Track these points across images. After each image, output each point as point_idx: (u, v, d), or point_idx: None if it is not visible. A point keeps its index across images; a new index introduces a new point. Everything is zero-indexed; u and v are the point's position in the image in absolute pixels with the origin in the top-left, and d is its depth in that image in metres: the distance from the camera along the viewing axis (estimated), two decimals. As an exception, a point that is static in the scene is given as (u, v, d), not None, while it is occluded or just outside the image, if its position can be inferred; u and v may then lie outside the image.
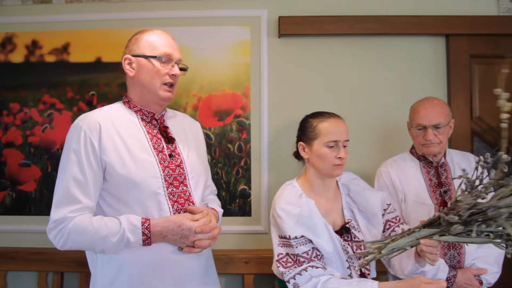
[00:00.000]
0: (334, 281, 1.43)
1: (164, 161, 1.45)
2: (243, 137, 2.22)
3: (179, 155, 1.50)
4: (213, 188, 1.74)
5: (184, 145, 1.54)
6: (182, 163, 1.49)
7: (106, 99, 2.21)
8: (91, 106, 2.22)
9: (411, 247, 1.42)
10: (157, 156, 1.44)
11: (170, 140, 1.50)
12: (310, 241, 1.51)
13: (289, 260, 1.52)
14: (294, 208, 1.55)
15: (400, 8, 2.22)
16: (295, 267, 1.49)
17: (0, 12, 2.26)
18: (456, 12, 2.20)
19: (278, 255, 1.55)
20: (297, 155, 1.71)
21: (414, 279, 1.41)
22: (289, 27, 2.17)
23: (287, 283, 1.50)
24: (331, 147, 1.56)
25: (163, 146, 1.48)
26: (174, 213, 1.41)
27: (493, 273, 1.72)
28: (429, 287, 1.36)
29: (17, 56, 2.26)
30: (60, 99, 2.24)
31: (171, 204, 1.42)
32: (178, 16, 2.22)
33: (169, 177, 1.44)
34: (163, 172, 1.43)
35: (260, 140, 2.21)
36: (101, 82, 2.23)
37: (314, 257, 1.49)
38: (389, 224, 1.66)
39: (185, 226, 1.37)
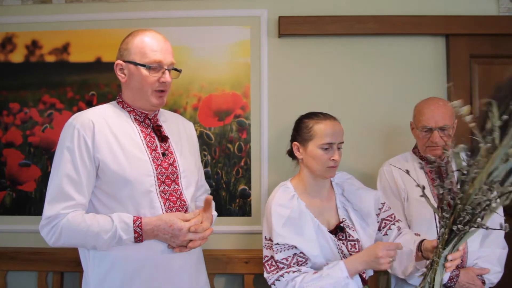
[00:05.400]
0: (308, 278, 1.47)
1: (157, 160, 1.46)
2: (243, 137, 2.22)
3: (172, 154, 1.51)
4: (206, 187, 1.75)
5: (177, 144, 1.55)
6: (175, 161, 1.50)
7: (106, 99, 2.20)
8: (91, 106, 2.20)
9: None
10: (150, 154, 1.45)
11: (163, 138, 1.51)
12: (292, 247, 1.52)
13: (273, 263, 1.55)
14: (284, 209, 1.56)
15: (400, 8, 2.21)
16: (277, 272, 1.52)
17: (0, 12, 2.26)
18: (456, 12, 2.20)
19: (264, 258, 1.58)
20: (290, 154, 1.71)
21: (371, 246, 1.52)
22: (289, 27, 2.17)
23: None
24: (326, 149, 1.56)
25: (157, 145, 1.49)
26: (166, 211, 1.43)
27: (495, 272, 1.73)
28: (387, 248, 1.46)
29: (17, 56, 2.26)
30: (60, 99, 2.24)
31: (163, 202, 1.43)
32: (178, 16, 2.22)
33: (162, 176, 1.45)
34: (156, 170, 1.44)
35: (260, 140, 2.21)
36: (101, 82, 2.23)
37: (294, 263, 1.51)
38: (385, 223, 1.67)
39: (176, 226, 1.39)
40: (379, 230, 1.66)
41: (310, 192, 1.63)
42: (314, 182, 1.63)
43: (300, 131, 1.63)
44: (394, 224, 1.67)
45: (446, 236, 1.33)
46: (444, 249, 1.33)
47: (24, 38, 2.25)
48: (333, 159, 1.56)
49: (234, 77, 2.21)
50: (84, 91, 2.23)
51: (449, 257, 1.32)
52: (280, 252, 1.52)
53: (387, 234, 1.66)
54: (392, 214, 1.69)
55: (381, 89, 2.22)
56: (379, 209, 1.68)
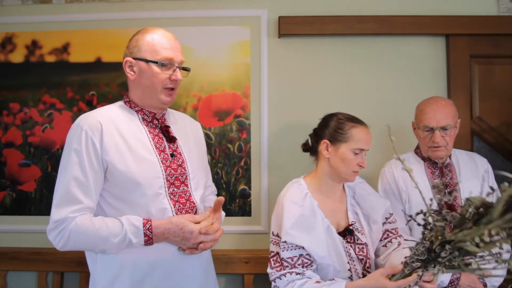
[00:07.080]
0: (308, 285, 1.45)
1: (166, 161, 1.44)
2: (243, 137, 2.22)
3: (180, 155, 1.49)
4: (213, 188, 1.73)
5: (185, 144, 1.53)
6: (183, 162, 1.48)
7: (106, 99, 2.21)
8: (91, 106, 2.21)
9: None
10: (159, 155, 1.43)
11: (171, 139, 1.49)
12: (300, 248, 1.51)
13: (278, 260, 1.54)
14: (296, 207, 1.55)
15: (400, 8, 2.21)
16: (280, 269, 1.51)
17: (0, 12, 2.26)
18: (456, 12, 2.20)
19: (270, 253, 1.58)
20: (309, 149, 1.68)
21: (375, 274, 1.41)
22: (289, 27, 2.17)
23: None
24: (356, 154, 1.56)
25: (165, 146, 1.47)
26: (176, 213, 1.41)
27: (498, 275, 1.70)
28: (399, 285, 1.32)
29: (17, 56, 2.26)
30: (60, 99, 2.24)
31: (173, 204, 1.42)
32: (178, 16, 2.22)
33: (171, 177, 1.43)
34: (165, 172, 1.42)
35: (260, 140, 2.21)
36: (101, 82, 2.23)
37: (299, 264, 1.50)
38: (387, 234, 1.66)
39: (187, 228, 1.37)
40: (380, 240, 1.65)
41: (323, 191, 1.62)
42: (331, 182, 1.62)
43: (334, 130, 1.60)
44: (396, 238, 1.65)
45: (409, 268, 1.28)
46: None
47: (24, 38, 2.25)
48: (361, 165, 1.56)
49: (234, 77, 2.21)
50: (84, 91, 2.23)
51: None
52: (287, 250, 1.51)
53: (386, 246, 1.64)
54: (396, 228, 1.68)
55: (381, 89, 2.22)
56: (385, 218, 1.66)
